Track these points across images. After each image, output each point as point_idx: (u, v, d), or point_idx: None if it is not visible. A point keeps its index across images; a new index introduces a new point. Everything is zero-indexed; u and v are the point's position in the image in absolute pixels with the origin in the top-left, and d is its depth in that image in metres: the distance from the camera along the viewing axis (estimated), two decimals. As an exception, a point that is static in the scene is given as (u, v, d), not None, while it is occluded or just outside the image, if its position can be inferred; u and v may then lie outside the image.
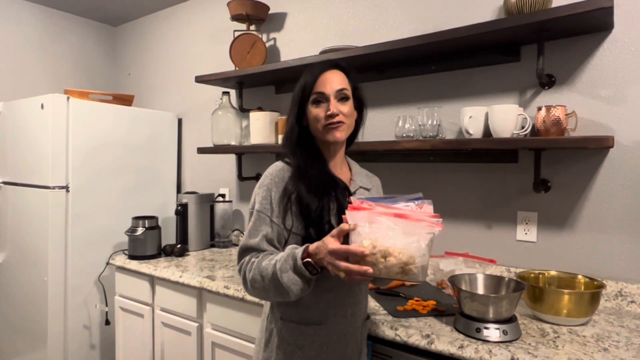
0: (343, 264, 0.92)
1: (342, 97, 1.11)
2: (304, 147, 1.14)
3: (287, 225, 1.08)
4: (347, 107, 1.11)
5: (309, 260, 0.97)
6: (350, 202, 0.99)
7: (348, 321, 1.14)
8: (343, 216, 0.98)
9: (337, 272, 0.93)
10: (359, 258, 0.92)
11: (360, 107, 1.19)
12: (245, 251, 1.10)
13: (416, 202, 1.00)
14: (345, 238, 0.97)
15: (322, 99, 1.10)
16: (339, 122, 1.09)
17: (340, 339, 1.13)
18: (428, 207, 0.98)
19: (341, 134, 1.11)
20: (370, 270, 0.91)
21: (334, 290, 1.11)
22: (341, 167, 1.20)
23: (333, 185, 1.12)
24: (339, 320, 1.12)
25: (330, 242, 0.95)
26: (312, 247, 0.98)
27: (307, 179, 1.09)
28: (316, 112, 1.10)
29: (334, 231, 0.96)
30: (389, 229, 0.92)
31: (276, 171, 1.13)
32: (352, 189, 1.17)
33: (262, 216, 1.09)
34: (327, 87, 1.10)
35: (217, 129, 2.29)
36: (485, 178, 1.72)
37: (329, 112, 1.08)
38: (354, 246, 0.92)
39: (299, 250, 0.99)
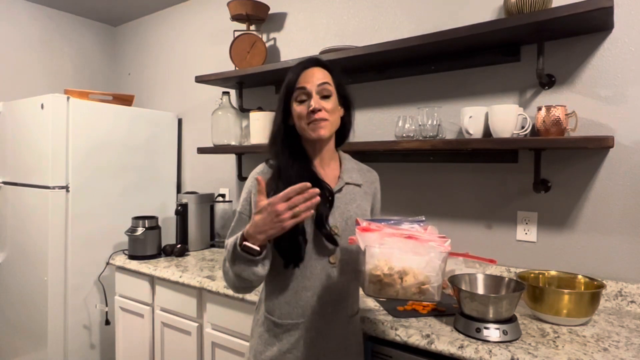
0: (293, 200, 0.93)
1: (324, 95, 1.11)
2: (288, 146, 1.15)
3: None
4: (330, 104, 1.11)
5: (246, 243, 0.98)
6: (359, 223, 0.99)
7: (328, 319, 1.14)
8: (351, 237, 0.98)
9: (285, 218, 0.93)
10: (300, 190, 0.93)
11: (346, 104, 1.19)
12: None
13: (420, 224, 1.01)
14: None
15: (305, 95, 1.11)
16: (322, 119, 1.09)
17: (319, 335, 1.13)
18: (432, 229, 0.99)
19: (325, 131, 1.11)
20: (316, 189, 0.93)
21: (313, 288, 1.12)
22: (329, 165, 1.19)
23: (313, 185, 1.11)
24: (316, 318, 1.13)
25: (263, 202, 0.95)
26: (246, 229, 0.99)
27: (286, 178, 1.09)
28: (300, 109, 1.11)
29: (257, 198, 0.98)
30: (400, 250, 0.93)
31: (257, 173, 1.17)
32: (337, 187, 1.16)
33: (242, 217, 1.15)
34: (308, 82, 1.11)
35: (217, 129, 2.29)
36: (485, 178, 1.72)
37: (311, 108, 1.08)
38: (292, 186, 0.93)
39: (239, 235, 1.01)
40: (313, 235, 1.10)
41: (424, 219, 1.03)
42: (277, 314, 1.14)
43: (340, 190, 1.16)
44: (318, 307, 1.13)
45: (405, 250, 0.93)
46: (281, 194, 0.93)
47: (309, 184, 0.93)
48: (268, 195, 1.06)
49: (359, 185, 1.21)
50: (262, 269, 1.02)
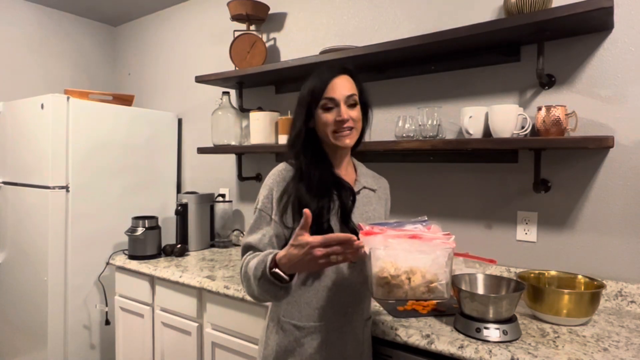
0: (333, 248, 0.88)
1: (351, 104, 1.12)
2: (310, 149, 1.15)
3: (288, 223, 1.09)
4: (355, 112, 1.13)
5: (276, 270, 0.95)
6: (361, 228, 0.99)
7: (348, 320, 1.14)
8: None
9: (320, 262, 0.90)
10: (341, 241, 0.89)
11: (365, 110, 1.20)
12: (246, 249, 1.12)
13: (423, 224, 1.00)
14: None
15: (332, 104, 1.11)
16: (349, 127, 1.11)
17: (340, 337, 1.13)
18: (436, 228, 0.99)
19: (351, 140, 1.13)
20: (362, 246, 0.90)
21: (334, 288, 1.12)
22: (347, 169, 1.21)
23: (336, 185, 1.13)
24: (338, 319, 1.13)
25: (303, 240, 0.90)
26: (279, 255, 0.95)
27: (308, 180, 1.10)
28: (326, 117, 1.11)
29: (298, 230, 0.92)
30: (405, 251, 0.92)
31: (278, 171, 1.16)
32: (356, 189, 1.17)
33: (263, 215, 1.13)
34: (337, 92, 1.10)
35: (217, 129, 2.29)
36: (485, 178, 1.72)
37: (339, 118, 1.09)
38: (336, 234, 0.90)
39: (270, 258, 0.97)
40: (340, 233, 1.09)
41: (426, 218, 1.03)
42: (297, 316, 1.12)
43: (358, 192, 1.18)
44: (339, 307, 1.13)
45: (411, 250, 0.92)
46: (321, 239, 0.89)
47: (354, 237, 0.89)
48: (289, 197, 1.09)
49: (373, 190, 1.23)
50: (285, 293, 0.98)
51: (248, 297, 1.59)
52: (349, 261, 0.94)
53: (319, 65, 1.19)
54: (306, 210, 0.92)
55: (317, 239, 0.89)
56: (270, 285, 0.97)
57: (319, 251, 0.89)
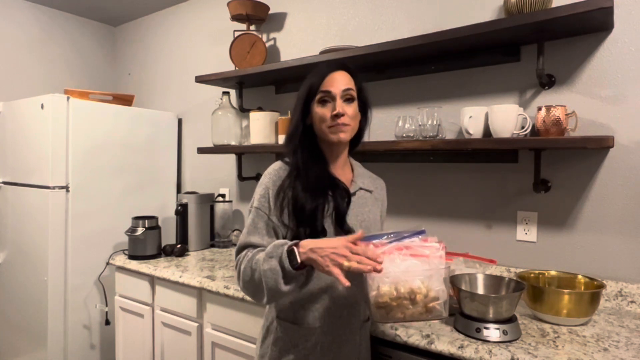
0: (357, 257, 0.90)
1: (347, 98, 1.11)
2: (306, 146, 1.14)
3: (285, 221, 1.09)
4: (352, 109, 1.12)
5: (294, 249, 0.95)
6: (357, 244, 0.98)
7: (344, 323, 1.14)
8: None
9: (341, 262, 0.91)
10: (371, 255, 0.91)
11: (364, 109, 1.19)
12: (243, 248, 1.10)
13: (420, 236, 0.99)
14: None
15: (329, 98, 1.11)
16: (344, 123, 1.10)
17: (335, 340, 1.12)
18: (432, 239, 0.98)
19: (345, 135, 1.11)
20: (379, 266, 0.89)
21: (330, 290, 1.12)
22: (343, 168, 1.20)
23: (331, 185, 1.12)
24: (334, 321, 1.12)
25: (344, 237, 0.95)
26: (305, 240, 0.97)
27: (304, 178, 1.10)
28: (322, 111, 1.11)
29: (350, 237, 0.95)
30: (405, 272, 0.91)
31: (274, 170, 1.15)
32: (352, 190, 1.17)
33: (260, 213, 1.11)
34: (333, 86, 1.10)
35: (217, 129, 2.29)
36: (485, 178, 1.72)
37: (334, 112, 1.08)
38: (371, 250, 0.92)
39: (291, 242, 0.98)
40: (334, 235, 1.09)
41: (424, 229, 1.01)
42: (292, 318, 1.12)
43: (354, 193, 1.17)
44: (334, 310, 1.12)
45: (410, 271, 0.90)
46: (357, 246, 0.93)
47: (380, 255, 0.92)
48: (285, 195, 1.08)
49: (370, 192, 1.22)
50: (285, 288, 0.97)
51: (248, 297, 1.59)
52: (355, 271, 0.93)
53: (318, 65, 1.19)
54: (361, 233, 0.96)
55: (353, 243, 0.94)
56: (280, 268, 0.95)
57: (347, 248, 0.91)
